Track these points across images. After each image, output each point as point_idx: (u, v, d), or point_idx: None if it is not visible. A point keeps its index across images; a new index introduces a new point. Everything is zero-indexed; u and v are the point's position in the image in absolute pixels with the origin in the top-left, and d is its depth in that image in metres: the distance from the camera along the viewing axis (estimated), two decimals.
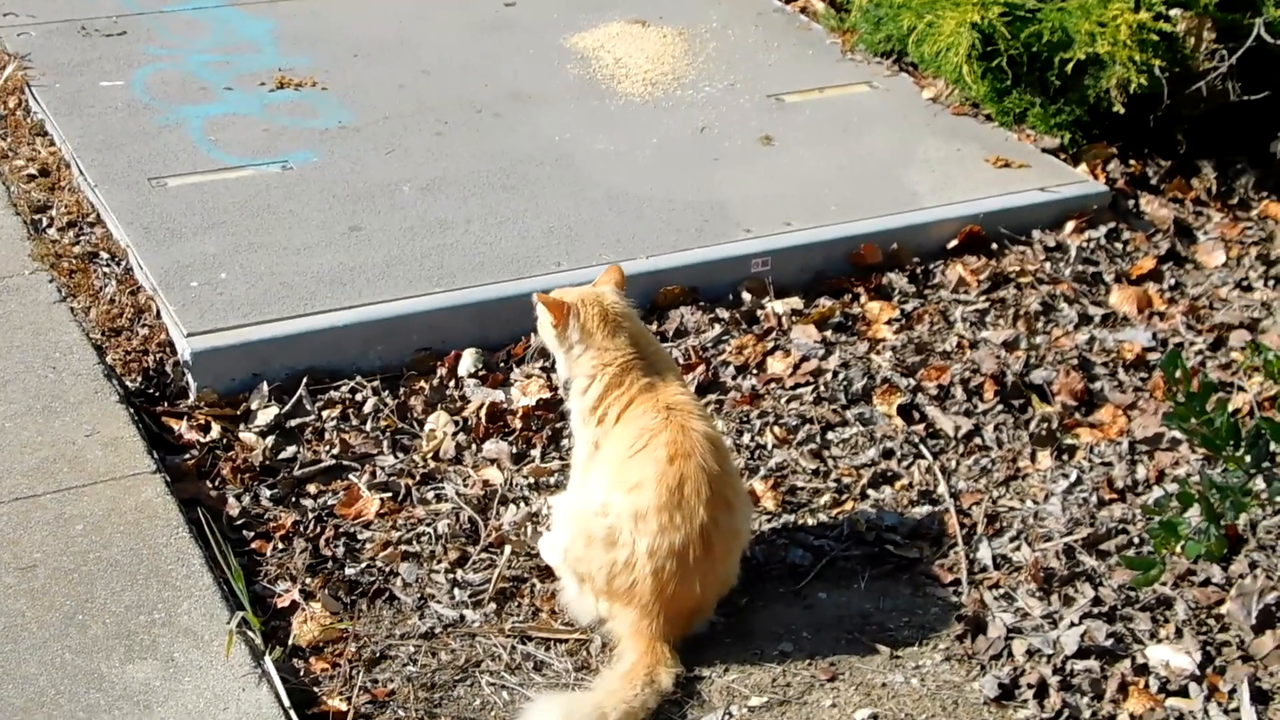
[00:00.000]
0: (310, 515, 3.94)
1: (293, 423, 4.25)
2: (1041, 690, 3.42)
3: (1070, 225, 5.28)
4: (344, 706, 3.35)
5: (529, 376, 4.44)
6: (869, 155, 5.59)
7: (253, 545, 3.84)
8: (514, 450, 4.20)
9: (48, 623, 3.44)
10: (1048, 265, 5.08)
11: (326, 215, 5.01)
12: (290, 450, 4.16)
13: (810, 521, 3.98)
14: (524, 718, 3.30)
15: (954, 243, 5.14)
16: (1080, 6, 5.55)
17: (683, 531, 3.39)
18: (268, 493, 4.01)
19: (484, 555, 3.83)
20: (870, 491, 4.09)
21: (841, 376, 4.49)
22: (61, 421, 4.10)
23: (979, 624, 3.61)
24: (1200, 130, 5.71)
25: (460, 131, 5.63)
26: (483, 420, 4.28)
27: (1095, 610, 3.64)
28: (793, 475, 4.13)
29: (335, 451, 4.16)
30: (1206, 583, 3.74)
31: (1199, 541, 2.81)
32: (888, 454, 4.23)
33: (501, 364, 4.53)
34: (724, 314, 4.75)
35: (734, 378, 4.51)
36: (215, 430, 4.20)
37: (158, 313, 4.53)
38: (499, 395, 4.37)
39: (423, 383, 4.43)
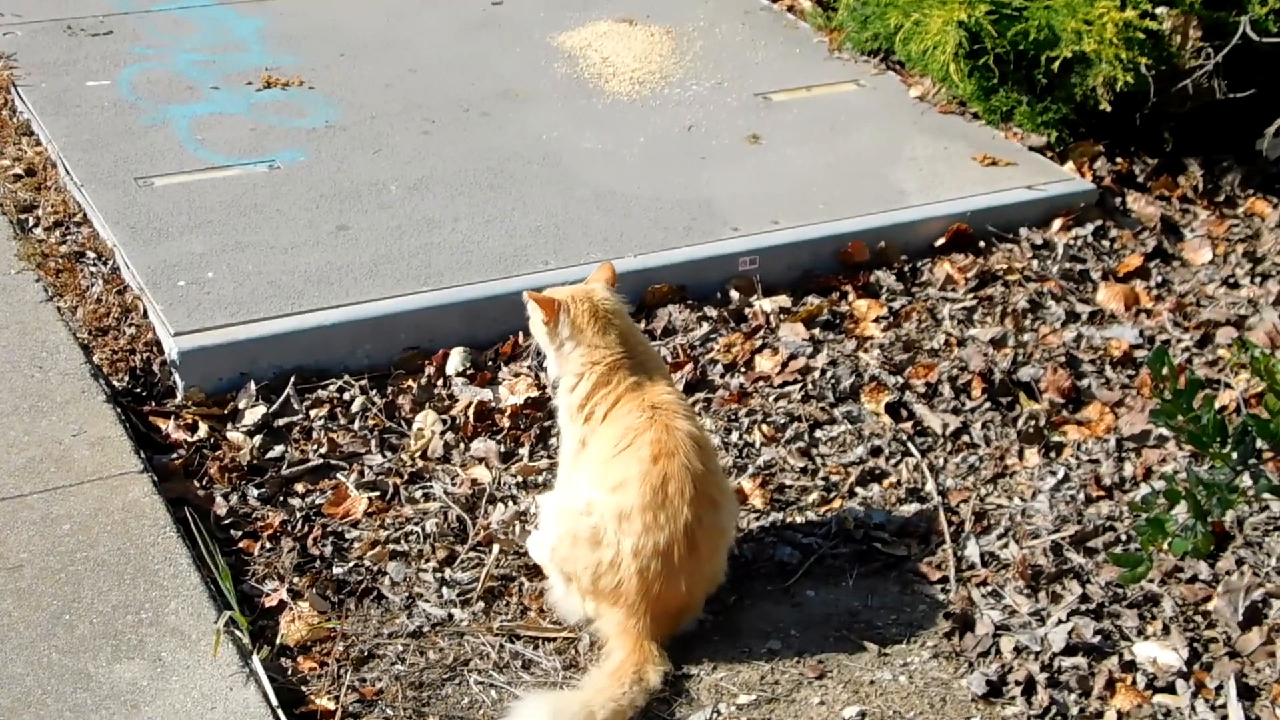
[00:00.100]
0: (298, 514, 3.93)
1: (280, 422, 4.25)
2: (1029, 687, 3.43)
3: (1057, 223, 5.29)
4: (332, 705, 3.34)
5: (517, 375, 4.44)
6: (856, 154, 5.59)
7: (240, 545, 3.83)
8: (502, 449, 4.19)
9: (35, 622, 3.44)
10: (1035, 263, 5.09)
11: (314, 214, 5.00)
12: (278, 449, 4.16)
13: (798, 519, 3.98)
14: (512, 716, 3.30)
15: (941, 241, 5.15)
16: (1066, 4, 5.56)
17: (667, 531, 3.39)
18: (255, 492, 4.01)
19: (472, 554, 3.83)
20: (858, 489, 4.10)
21: (829, 374, 4.50)
22: (48, 421, 4.09)
23: (967, 621, 3.62)
24: (1187, 128, 5.72)
25: (448, 130, 5.62)
26: (471, 419, 4.28)
27: (1083, 607, 3.65)
28: (781, 473, 4.14)
29: (323, 451, 4.15)
30: (1193, 579, 3.75)
31: (1186, 538, 2.81)
32: (876, 452, 4.23)
33: (489, 363, 4.53)
34: (712, 312, 4.76)
35: (722, 376, 4.52)
36: (203, 429, 4.19)
37: (145, 312, 4.52)
38: (487, 394, 4.37)
39: (410, 381, 4.43)
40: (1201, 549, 2.81)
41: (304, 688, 3.40)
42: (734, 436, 4.26)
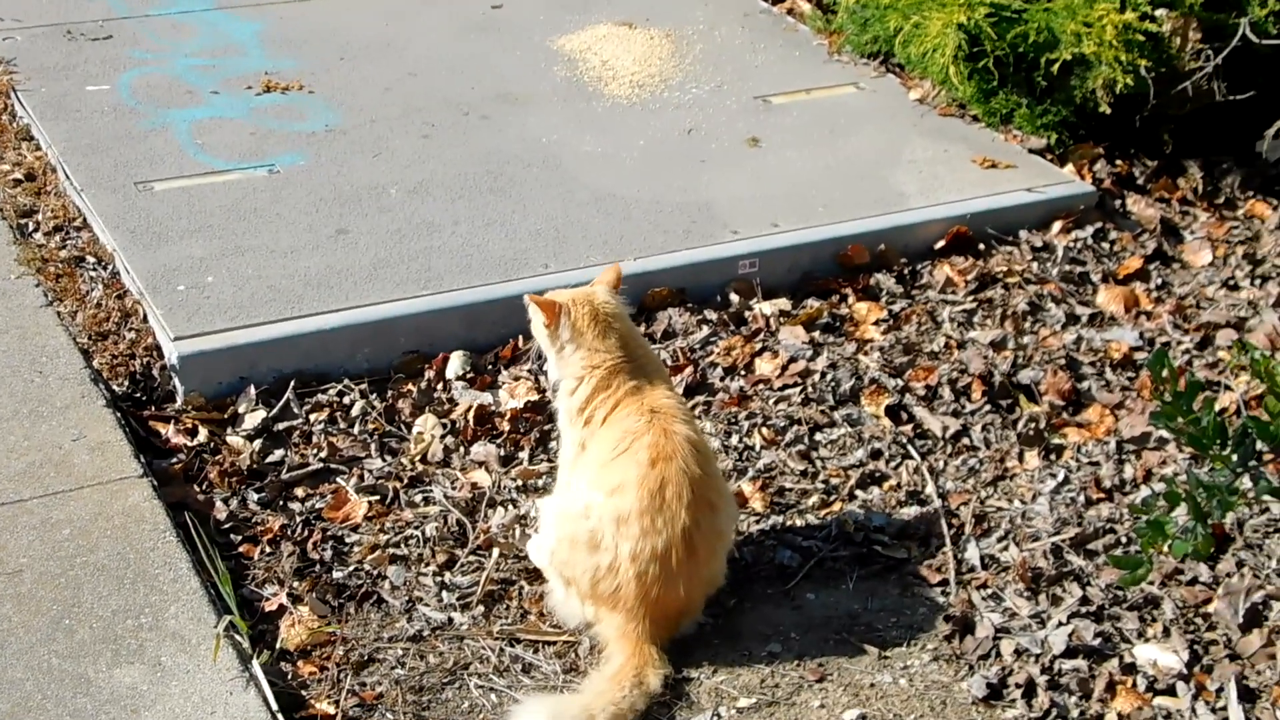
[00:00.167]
0: (298, 519, 3.93)
1: (280, 426, 4.25)
2: (1029, 690, 3.43)
3: (1057, 225, 5.29)
4: (332, 710, 3.34)
5: (517, 379, 4.44)
6: (856, 156, 5.59)
7: (240, 549, 3.83)
8: (502, 453, 4.19)
9: (34, 627, 3.43)
10: (1035, 265, 5.09)
11: (313, 218, 5.00)
12: (278, 454, 4.16)
13: (798, 522, 3.98)
14: None
15: (941, 243, 5.15)
16: (1066, 7, 5.56)
17: (664, 535, 3.39)
18: (255, 496, 4.01)
19: (472, 558, 3.83)
20: (858, 492, 4.10)
21: (829, 377, 4.50)
22: (48, 426, 4.09)
23: (967, 624, 3.61)
24: (1186, 130, 5.72)
25: (447, 134, 5.62)
26: (470, 423, 4.27)
27: (1083, 610, 3.65)
28: (781, 476, 4.13)
29: (323, 455, 4.15)
30: (1194, 581, 3.75)
31: (1186, 540, 2.81)
32: (876, 454, 4.23)
33: (489, 366, 4.52)
34: (712, 315, 4.75)
35: (722, 379, 4.51)
36: (202, 434, 4.19)
37: (144, 316, 4.52)
38: (487, 398, 4.37)
39: (410, 385, 4.43)
40: (1202, 551, 2.81)
41: (304, 692, 3.40)
42: (734, 439, 4.26)
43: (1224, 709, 3.38)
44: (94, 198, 5.06)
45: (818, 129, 5.77)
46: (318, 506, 3.99)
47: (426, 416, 4.30)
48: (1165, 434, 4.13)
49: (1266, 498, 2.95)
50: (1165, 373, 2.82)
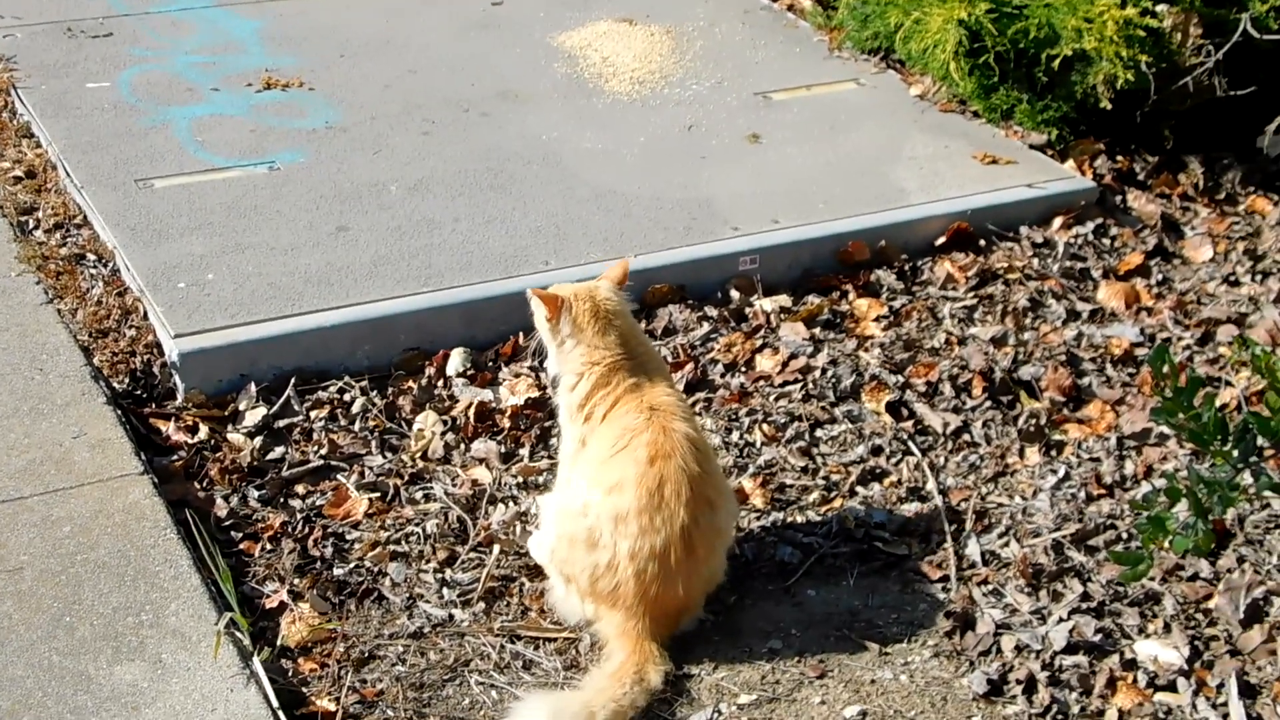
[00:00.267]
0: (298, 516, 3.93)
1: (281, 423, 4.25)
2: (1030, 686, 3.43)
3: (1058, 221, 5.28)
4: (332, 707, 3.34)
5: (517, 376, 4.44)
6: (856, 152, 5.59)
7: (241, 546, 3.83)
8: (502, 450, 4.19)
9: (35, 624, 3.44)
10: (1035, 261, 5.08)
11: (314, 215, 5.00)
12: (278, 451, 4.16)
13: (799, 519, 3.98)
14: (513, 717, 3.30)
15: (942, 239, 5.15)
16: (1067, 2, 5.55)
17: (663, 534, 3.39)
18: (256, 493, 4.01)
19: (473, 555, 3.83)
20: (859, 488, 4.09)
21: (830, 374, 4.49)
22: (49, 423, 4.09)
23: (968, 620, 3.61)
24: (1187, 126, 5.71)
25: (447, 131, 5.62)
26: (471, 420, 4.27)
27: (1084, 606, 3.65)
28: (781, 473, 4.13)
29: (323, 452, 4.15)
30: (1194, 577, 3.75)
31: (1187, 536, 2.80)
32: (876, 451, 4.23)
33: (490, 363, 4.52)
34: (712, 312, 4.75)
35: (722, 376, 4.51)
36: (203, 431, 4.19)
37: (145, 314, 4.52)
38: (487, 395, 4.37)
39: (411, 382, 4.43)
40: (1202, 547, 2.81)
41: (305, 689, 3.40)
42: (734, 436, 4.26)
43: (1225, 705, 3.38)
44: (94, 195, 5.06)
45: (818, 125, 5.77)
46: (318, 503, 3.99)
47: (427, 413, 4.30)
48: (1166, 430, 4.12)
49: (1267, 493, 2.94)
50: (1166, 368, 2.82)
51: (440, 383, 4.44)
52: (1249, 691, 3.41)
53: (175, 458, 4.09)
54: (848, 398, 4.43)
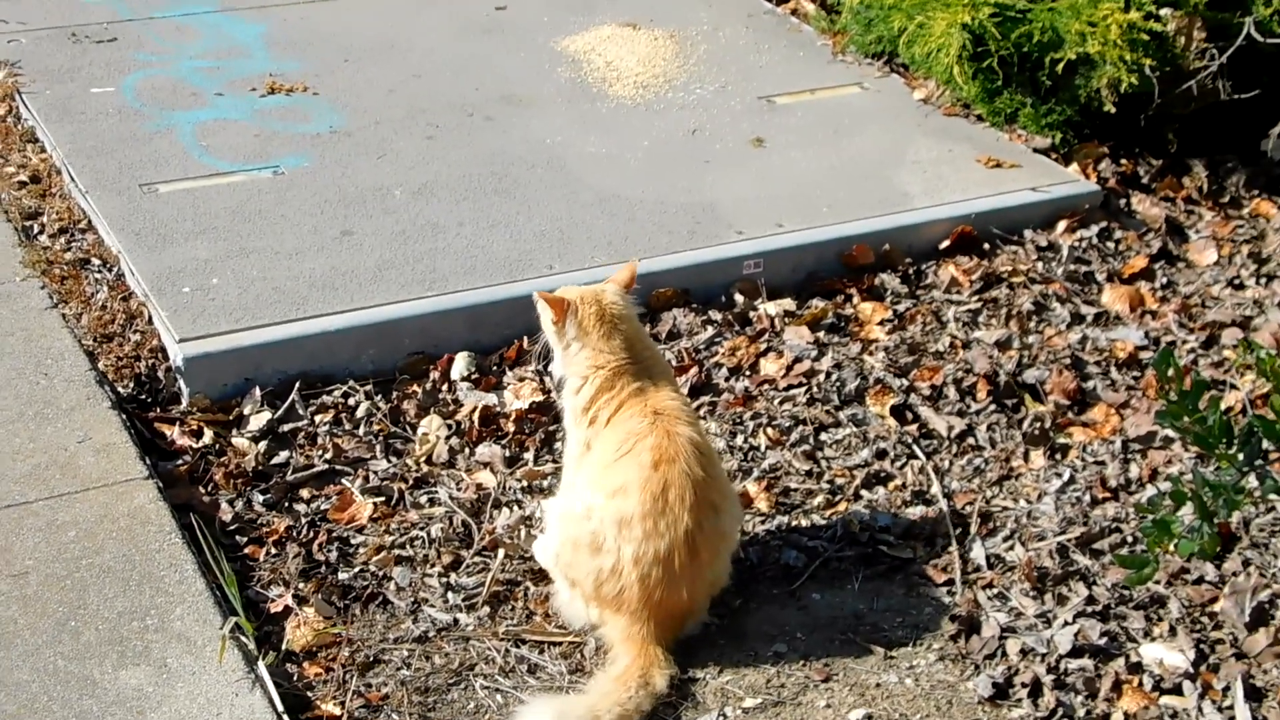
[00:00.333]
0: (303, 520, 3.93)
1: (285, 427, 4.25)
2: (1036, 689, 3.43)
3: (1062, 225, 5.28)
4: (338, 711, 3.34)
5: (522, 380, 4.44)
6: (860, 156, 5.59)
7: (245, 550, 3.83)
8: (507, 454, 4.19)
9: (40, 629, 3.44)
10: (1040, 265, 5.08)
11: (318, 220, 5.00)
12: (283, 455, 4.16)
13: (804, 522, 3.98)
14: None
15: (946, 243, 5.14)
16: (1070, 6, 5.55)
17: (667, 538, 3.39)
18: (260, 498, 4.01)
19: (477, 559, 3.83)
20: (863, 492, 4.09)
21: (834, 377, 4.49)
22: (53, 428, 4.09)
23: (973, 624, 3.61)
24: (1191, 129, 5.71)
25: (451, 135, 5.63)
26: (476, 424, 4.28)
27: (1089, 609, 3.65)
28: (786, 476, 4.13)
29: (328, 456, 4.15)
30: (1200, 581, 3.75)
31: (1192, 540, 2.80)
32: (881, 454, 4.23)
33: (494, 367, 4.53)
34: (716, 316, 4.75)
35: (727, 379, 4.51)
36: (208, 436, 4.19)
37: (149, 318, 4.52)
38: (492, 399, 4.37)
39: (415, 386, 4.43)
40: (1208, 550, 2.81)
41: (310, 693, 3.40)
42: (739, 440, 4.26)
43: (1230, 708, 3.37)
44: (99, 200, 5.07)
45: (822, 129, 5.77)
46: (323, 508, 3.99)
47: (431, 418, 4.30)
48: (1171, 433, 4.12)
49: (1272, 496, 2.94)
50: (1171, 372, 2.82)
51: (445, 387, 4.44)
52: (1254, 695, 3.41)
53: (180, 462, 4.09)
54: (852, 401, 4.43)
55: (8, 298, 4.65)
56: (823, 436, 4.30)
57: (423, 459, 4.17)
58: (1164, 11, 5.49)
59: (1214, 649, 3.55)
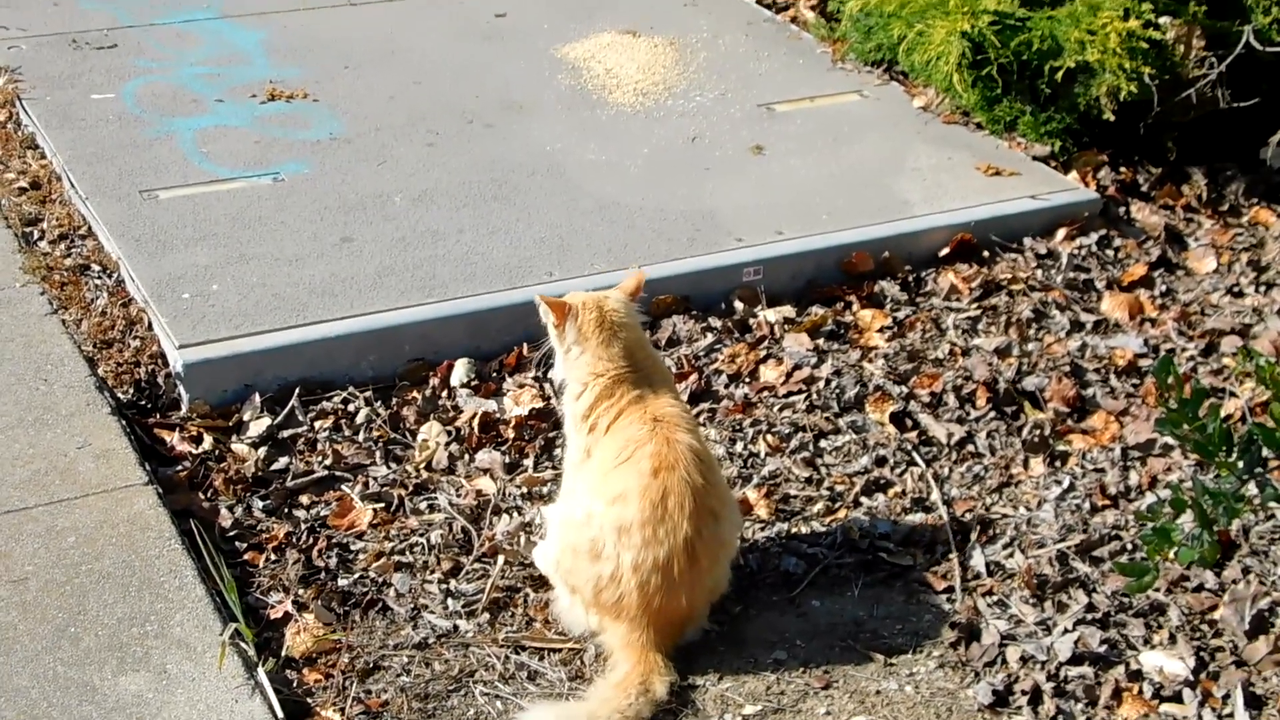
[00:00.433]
0: (303, 526, 3.93)
1: (285, 434, 4.25)
2: (1036, 697, 3.42)
3: (1061, 232, 5.29)
4: (337, 717, 3.34)
5: (521, 386, 4.44)
6: (860, 164, 5.59)
7: (245, 557, 3.83)
8: (507, 460, 4.19)
9: (40, 635, 3.43)
10: (1039, 272, 5.09)
11: (318, 226, 5.00)
12: (283, 461, 4.16)
13: (803, 529, 3.98)
14: None
15: (945, 250, 5.15)
16: (1070, 15, 5.56)
17: (666, 546, 3.39)
18: (260, 504, 4.01)
19: (477, 565, 3.83)
20: (863, 499, 4.09)
21: (834, 384, 4.49)
22: (53, 434, 4.09)
23: (973, 631, 3.61)
24: (1190, 137, 5.72)
25: (451, 142, 5.63)
26: (475, 430, 4.28)
27: (1089, 616, 3.65)
28: (786, 483, 4.13)
29: (328, 462, 4.15)
30: (1200, 588, 3.75)
31: (1192, 547, 2.80)
32: (880, 461, 4.23)
33: (494, 374, 4.53)
34: (716, 323, 4.76)
35: (727, 386, 4.51)
36: (207, 442, 4.19)
37: (149, 324, 4.52)
38: (491, 405, 4.37)
39: (415, 393, 4.43)
40: (1208, 558, 2.81)
41: (309, 700, 3.40)
42: (739, 447, 4.26)
43: (1230, 716, 3.37)
44: (99, 206, 5.07)
45: (821, 137, 5.78)
46: (323, 514, 3.99)
47: (431, 424, 4.30)
48: (1170, 440, 4.13)
49: (1272, 504, 2.95)
50: (1170, 379, 2.82)
51: (444, 393, 4.44)
52: (1255, 702, 3.41)
53: (180, 468, 4.09)
54: (852, 408, 4.43)
55: (7, 303, 4.65)
56: (822, 443, 4.30)
57: (422, 465, 4.17)
58: (1163, 20, 5.50)
59: (1214, 656, 3.55)
